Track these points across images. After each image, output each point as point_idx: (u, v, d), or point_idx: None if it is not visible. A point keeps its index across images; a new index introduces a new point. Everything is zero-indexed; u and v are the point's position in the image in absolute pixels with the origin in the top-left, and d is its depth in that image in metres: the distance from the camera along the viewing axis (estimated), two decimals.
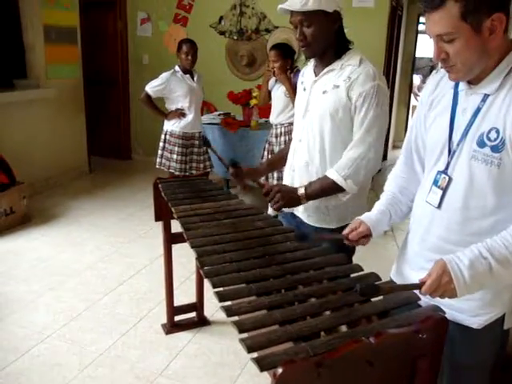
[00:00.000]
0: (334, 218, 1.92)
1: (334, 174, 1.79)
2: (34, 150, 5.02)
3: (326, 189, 1.82)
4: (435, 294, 1.16)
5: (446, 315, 1.15)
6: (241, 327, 1.13)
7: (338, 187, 1.80)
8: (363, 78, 1.76)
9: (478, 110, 1.21)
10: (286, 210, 2.03)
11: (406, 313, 1.18)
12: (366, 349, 1.03)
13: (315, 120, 1.87)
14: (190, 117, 4.30)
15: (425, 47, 9.45)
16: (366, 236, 1.48)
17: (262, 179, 2.00)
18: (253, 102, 4.73)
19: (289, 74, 3.93)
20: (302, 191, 1.82)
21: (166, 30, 6.18)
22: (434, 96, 1.37)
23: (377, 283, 1.26)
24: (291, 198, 1.82)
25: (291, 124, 3.48)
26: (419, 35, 8.29)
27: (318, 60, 1.89)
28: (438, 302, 1.28)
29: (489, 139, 1.18)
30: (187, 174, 4.35)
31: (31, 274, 3.40)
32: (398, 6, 6.37)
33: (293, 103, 3.83)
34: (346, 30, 1.87)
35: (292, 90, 3.82)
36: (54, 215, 4.54)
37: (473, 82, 1.24)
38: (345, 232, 1.50)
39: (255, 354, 1.05)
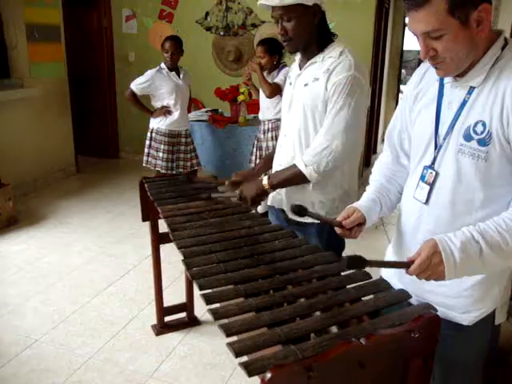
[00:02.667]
0: (322, 212, 1.90)
1: (299, 161, 1.80)
2: (19, 150, 4.94)
3: (290, 176, 1.82)
4: (423, 274, 1.11)
5: (437, 313, 1.13)
6: (228, 331, 1.10)
7: (301, 175, 1.79)
8: (339, 69, 1.75)
9: (464, 102, 1.19)
10: (276, 206, 2.01)
11: (398, 312, 1.16)
12: (357, 350, 1.00)
13: (298, 114, 1.85)
14: (175, 114, 4.25)
15: (412, 40, 9.46)
16: (360, 225, 1.41)
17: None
18: (240, 98, 4.68)
19: (270, 69, 3.91)
20: (265, 181, 1.84)
21: (151, 27, 6.11)
22: (419, 89, 1.35)
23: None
24: (255, 191, 1.84)
25: (278, 120, 3.46)
26: (406, 28, 8.28)
27: (302, 54, 1.89)
28: (428, 299, 1.26)
29: (475, 132, 1.16)
30: (174, 172, 4.31)
31: (18, 277, 3.35)
32: None
33: (263, 90, 3.83)
34: (332, 24, 1.85)
35: (263, 78, 3.81)
36: (41, 216, 4.48)
37: (458, 75, 1.21)
38: (338, 219, 1.42)
39: (244, 358, 1.02)
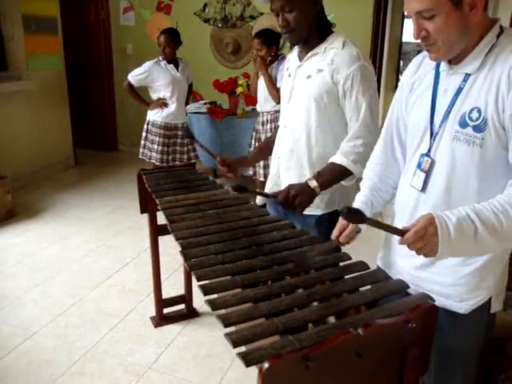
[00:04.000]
0: (320, 204, 1.89)
1: (343, 160, 1.75)
2: (17, 143, 4.93)
3: (336, 175, 1.78)
4: (416, 244, 1.09)
5: (435, 303, 1.13)
6: (226, 321, 1.10)
7: (346, 172, 1.77)
8: (348, 61, 1.72)
9: (460, 89, 1.19)
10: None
11: (395, 302, 1.16)
12: (354, 340, 1.00)
13: (300, 105, 1.83)
14: (172, 107, 4.24)
15: (411, 32, 9.40)
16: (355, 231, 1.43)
17: (273, 188, 1.95)
18: (239, 90, 4.67)
19: (269, 62, 3.88)
20: (314, 184, 1.74)
21: (149, 19, 6.07)
22: (415, 78, 1.35)
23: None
24: (309, 195, 1.74)
25: (277, 111, 3.44)
26: (405, 20, 8.24)
27: (301, 45, 1.86)
28: (425, 288, 1.27)
29: (471, 119, 1.16)
30: (170, 164, 4.30)
31: (17, 269, 3.35)
32: None
33: (272, 96, 3.79)
34: (331, 16, 1.83)
35: (271, 84, 3.77)
36: (40, 209, 4.47)
37: (453, 62, 1.21)
38: (334, 235, 1.43)
39: (242, 348, 1.02)
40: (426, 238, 1.08)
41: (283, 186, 1.92)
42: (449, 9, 1.09)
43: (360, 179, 1.54)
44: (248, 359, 0.95)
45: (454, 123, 1.19)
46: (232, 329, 1.09)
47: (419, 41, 1.20)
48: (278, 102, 3.70)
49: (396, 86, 8.48)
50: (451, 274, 1.27)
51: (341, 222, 1.44)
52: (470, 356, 1.35)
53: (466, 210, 1.10)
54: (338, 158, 1.77)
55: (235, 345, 1.01)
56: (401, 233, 1.11)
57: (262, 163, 3.99)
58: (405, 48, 10.11)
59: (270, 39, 3.85)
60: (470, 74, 1.18)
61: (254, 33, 4.14)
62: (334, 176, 1.78)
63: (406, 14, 1.19)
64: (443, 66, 1.25)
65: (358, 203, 1.47)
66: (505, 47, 1.14)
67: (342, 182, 1.82)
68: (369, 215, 1.45)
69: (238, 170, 2.09)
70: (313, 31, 1.78)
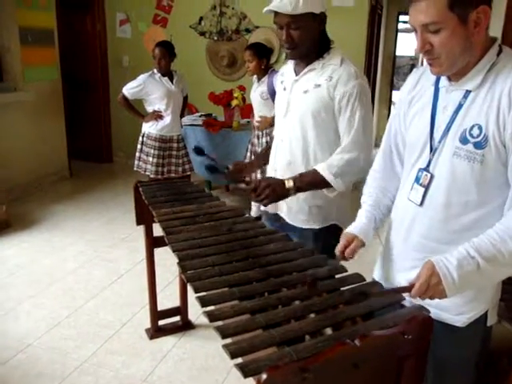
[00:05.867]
0: (317, 218, 1.91)
1: (325, 171, 1.78)
2: (12, 154, 4.92)
3: (314, 183, 1.80)
4: (425, 295, 1.16)
5: (430, 314, 1.14)
6: (224, 332, 1.10)
7: (326, 183, 1.79)
8: (346, 78, 1.75)
9: (460, 106, 1.21)
10: (270, 210, 2.01)
11: (391, 313, 1.17)
12: (351, 351, 1.01)
13: (297, 120, 1.85)
14: (167, 119, 4.26)
15: (405, 46, 9.54)
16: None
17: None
18: (234, 102, 4.70)
19: (258, 78, 3.96)
20: (290, 184, 1.78)
21: (145, 31, 6.12)
22: (414, 93, 1.37)
23: (365, 288, 1.28)
24: (279, 191, 1.78)
25: (272, 125, 3.47)
26: (399, 34, 8.36)
27: (298, 59, 1.88)
28: (422, 302, 1.28)
29: (471, 136, 1.18)
30: (165, 176, 4.31)
31: (11, 281, 3.33)
32: (378, 4, 6.40)
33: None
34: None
35: None
36: (35, 220, 4.46)
37: (453, 79, 1.23)
38: (339, 249, 1.46)
39: (239, 360, 1.03)
40: (431, 289, 1.14)
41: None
42: (455, 24, 1.12)
43: (358, 191, 1.56)
44: (246, 370, 0.96)
45: (455, 139, 1.21)
46: (229, 340, 1.10)
47: (421, 54, 1.22)
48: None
49: (390, 100, 8.57)
50: None
51: (345, 237, 1.45)
52: (465, 368, 1.37)
53: (465, 248, 1.14)
54: (321, 168, 1.79)
55: (233, 356, 1.02)
56: (408, 289, 1.19)
57: (259, 174, 4.01)
58: (398, 62, 10.23)
59: (261, 52, 3.92)
60: (470, 91, 1.20)
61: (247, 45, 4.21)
62: (313, 183, 1.81)
63: (410, 26, 1.21)
64: (443, 82, 1.27)
65: (362, 219, 1.48)
66: (505, 66, 1.17)
67: (324, 191, 1.84)
68: (373, 231, 1.49)
69: (243, 176, 2.13)
70: (313, 48, 1.81)
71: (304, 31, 1.74)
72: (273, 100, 3.31)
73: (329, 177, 1.77)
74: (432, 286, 1.14)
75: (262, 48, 3.97)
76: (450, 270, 1.12)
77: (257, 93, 3.99)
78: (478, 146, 1.17)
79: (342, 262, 1.47)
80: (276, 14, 1.75)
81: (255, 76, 4.05)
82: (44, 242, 4.00)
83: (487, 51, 1.19)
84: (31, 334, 2.72)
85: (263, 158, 2.21)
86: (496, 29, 3.53)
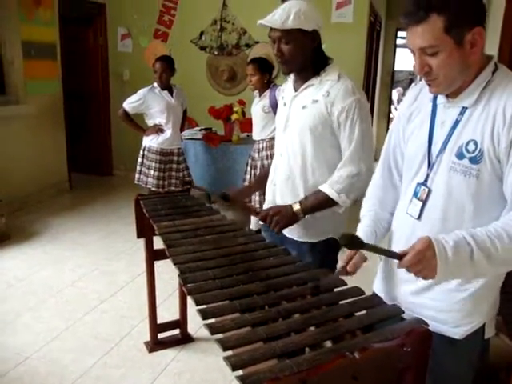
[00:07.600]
0: (315, 232, 1.93)
1: (328, 189, 1.80)
2: (13, 166, 4.94)
3: (320, 203, 1.83)
4: (415, 267, 1.12)
5: (429, 327, 1.15)
6: (225, 345, 1.11)
7: (332, 201, 1.81)
8: (343, 94, 1.78)
9: (457, 122, 1.24)
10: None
11: (390, 326, 1.18)
12: (350, 364, 1.02)
13: (295, 135, 1.88)
14: (168, 133, 4.30)
15: (403, 60, 9.63)
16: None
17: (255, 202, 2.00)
18: (234, 116, 4.74)
19: (259, 92, 4.00)
20: (297, 207, 1.83)
21: (146, 46, 6.18)
22: (412, 108, 1.40)
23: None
24: (288, 217, 1.83)
25: (273, 139, 3.49)
26: (397, 49, 8.45)
27: (296, 75, 1.91)
28: (420, 314, 1.29)
29: (467, 151, 1.21)
30: (166, 190, 4.33)
31: (9, 293, 3.33)
32: (376, 20, 6.49)
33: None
34: (324, 45, 1.89)
35: None
36: (34, 233, 4.47)
37: (451, 96, 1.27)
38: (341, 265, 1.46)
39: (240, 372, 1.04)
40: (424, 261, 1.11)
41: None
42: (452, 46, 1.15)
43: (356, 204, 1.58)
44: (247, 382, 0.97)
45: (451, 154, 1.24)
46: (230, 353, 1.11)
47: (420, 75, 1.25)
48: None
49: (389, 114, 8.63)
50: (446, 299, 1.30)
51: (347, 252, 1.46)
52: (464, 380, 1.37)
53: (462, 233, 1.14)
54: (324, 187, 1.82)
55: (234, 368, 1.03)
56: (399, 257, 1.15)
57: (257, 197, 4.03)
58: (397, 76, 10.31)
59: (263, 66, 3.97)
60: (466, 108, 1.23)
61: (249, 59, 4.26)
62: (318, 203, 1.83)
63: (410, 50, 1.24)
64: (440, 98, 1.30)
65: (362, 234, 1.49)
66: (500, 83, 1.20)
67: (335, 209, 1.86)
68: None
69: (241, 202, 2.13)
70: (307, 64, 1.84)
71: (294, 46, 1.78)
72: (275, 113, 3.34)
73: (332, 194, 1.80)
74: (426, 258, 1.11)
75: (265, 62, 4.02)
76: (446, 249, 1.10)
77: (258, 106, 4.02)
78: (473, 160, 1.20)
79: (343, 277, 1.48)
80: (270, 28, 1.80)
81: (256, 91, 4.09)
82: (44, 255, 4.01)
83: (483, 69, 1.22)
84: (30, 347, 2.71)
85: (261, 181, 2.23)
86: (492, 46, 3.59)
